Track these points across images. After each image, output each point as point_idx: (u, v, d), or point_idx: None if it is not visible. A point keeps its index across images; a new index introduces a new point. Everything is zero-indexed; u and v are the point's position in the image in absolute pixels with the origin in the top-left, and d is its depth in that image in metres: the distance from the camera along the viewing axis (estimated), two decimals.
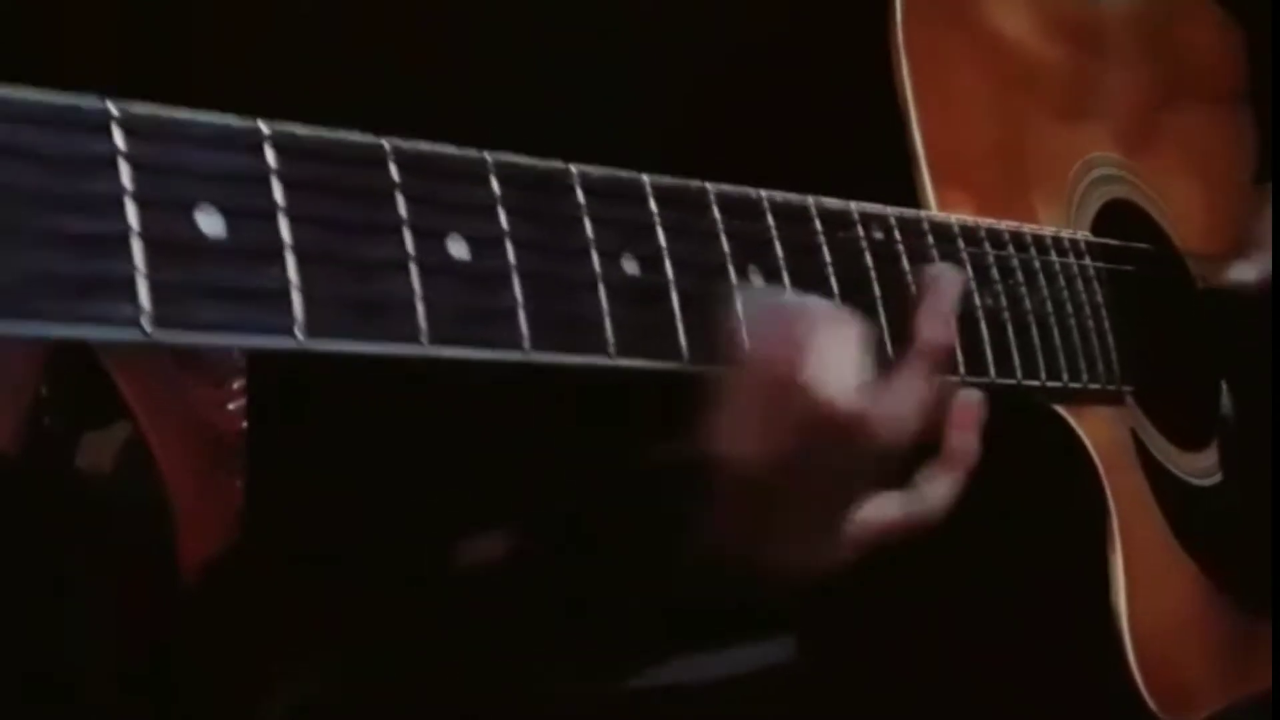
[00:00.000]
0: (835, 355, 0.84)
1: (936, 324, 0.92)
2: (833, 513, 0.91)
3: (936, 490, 0.95)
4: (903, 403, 0.89)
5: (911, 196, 1.02)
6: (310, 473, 1.08)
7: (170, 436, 1.40)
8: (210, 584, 1.27)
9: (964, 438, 0.95)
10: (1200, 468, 1.23)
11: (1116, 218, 1.21)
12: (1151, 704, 1.07)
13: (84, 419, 1.42)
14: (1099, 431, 1.09)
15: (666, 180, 0.84)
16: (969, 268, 1.00)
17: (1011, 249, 1.05)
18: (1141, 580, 1.09)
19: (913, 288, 0.95)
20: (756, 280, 0.86)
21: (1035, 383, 1.04)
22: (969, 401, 0.96)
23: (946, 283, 0.94)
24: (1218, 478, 1.25)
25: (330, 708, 1.14)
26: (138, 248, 0.60)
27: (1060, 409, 1.07)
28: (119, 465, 1.42)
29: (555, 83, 1.03)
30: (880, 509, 0.93)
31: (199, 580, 1.31)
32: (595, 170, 0.80)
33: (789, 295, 0.87)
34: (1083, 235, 1.14)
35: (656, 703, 1.12)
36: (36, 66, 0.63)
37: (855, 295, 0.91)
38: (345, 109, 0.72)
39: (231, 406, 1.38)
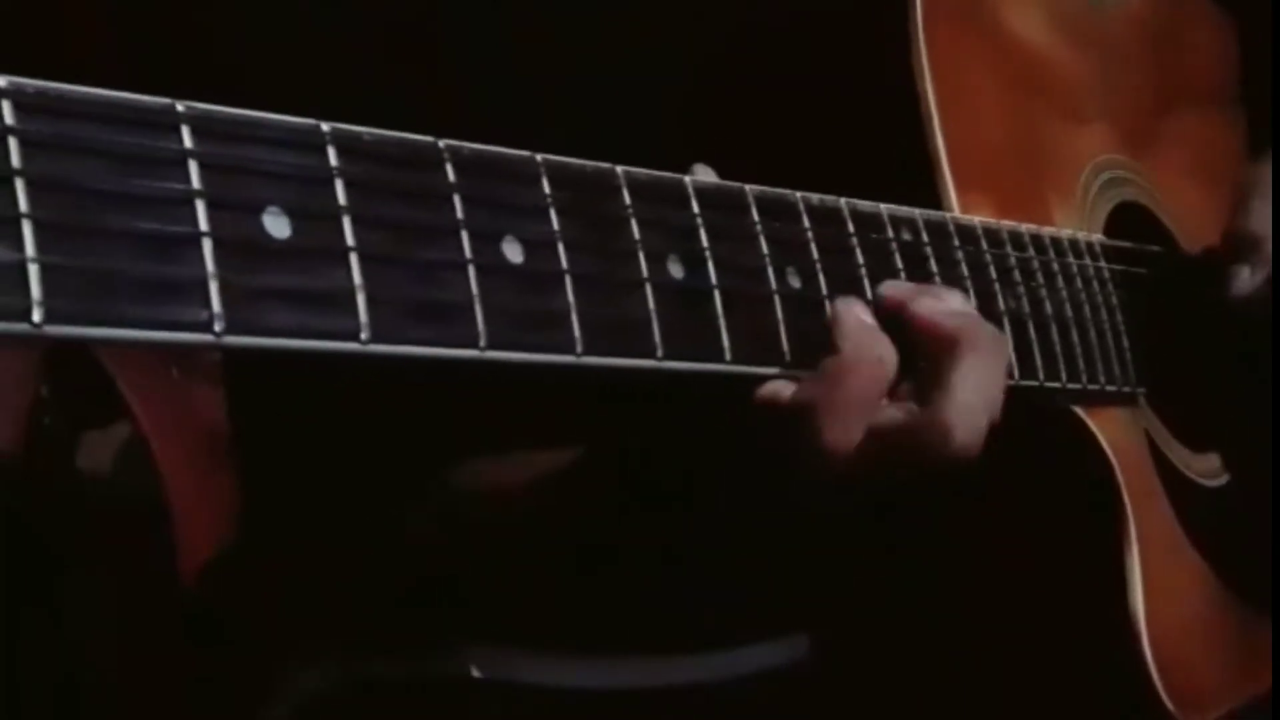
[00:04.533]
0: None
1: None
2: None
3: None
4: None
5: (932, 198, 1.02)
6: (298, 467, 1.08)
7: (170, 437, 1.40)
8: (210, 583, 1.27)
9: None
10: (1211, 468, 1.24)
11: (1127, 220, 1.22)
12: (1169, 704, 1.07)
13: (84, 419, 1.41)
14: (1115, 432, 1.09)
15: (706, 182, 0.84)
16: (993, 270, 1.00)
17: (1032, 251, 1.05)
18: (1157, 581, 1.09)
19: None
20: (794, 282, 0.86)
21: (1056, 384, 1.04)
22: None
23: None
24: (1226, 478, 1.25)
25: (332, 707, 1.13)
26: (209, 249, 0.60)
27: (1078, 410, 1.07)
28: (119, 465, 1.41)
29: (582, 86, 1.03)
30: None
31: (198, 580, 1.31)
32: (639, 171, 0.80)
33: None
34: (1097, 238, 1.15)
35: (666, 702, 1.12)
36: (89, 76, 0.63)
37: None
38: (357, 109, 0.71)
39: None
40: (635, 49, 1.07)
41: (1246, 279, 1.21)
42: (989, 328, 0.91)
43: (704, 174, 0.89)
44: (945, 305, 0.90)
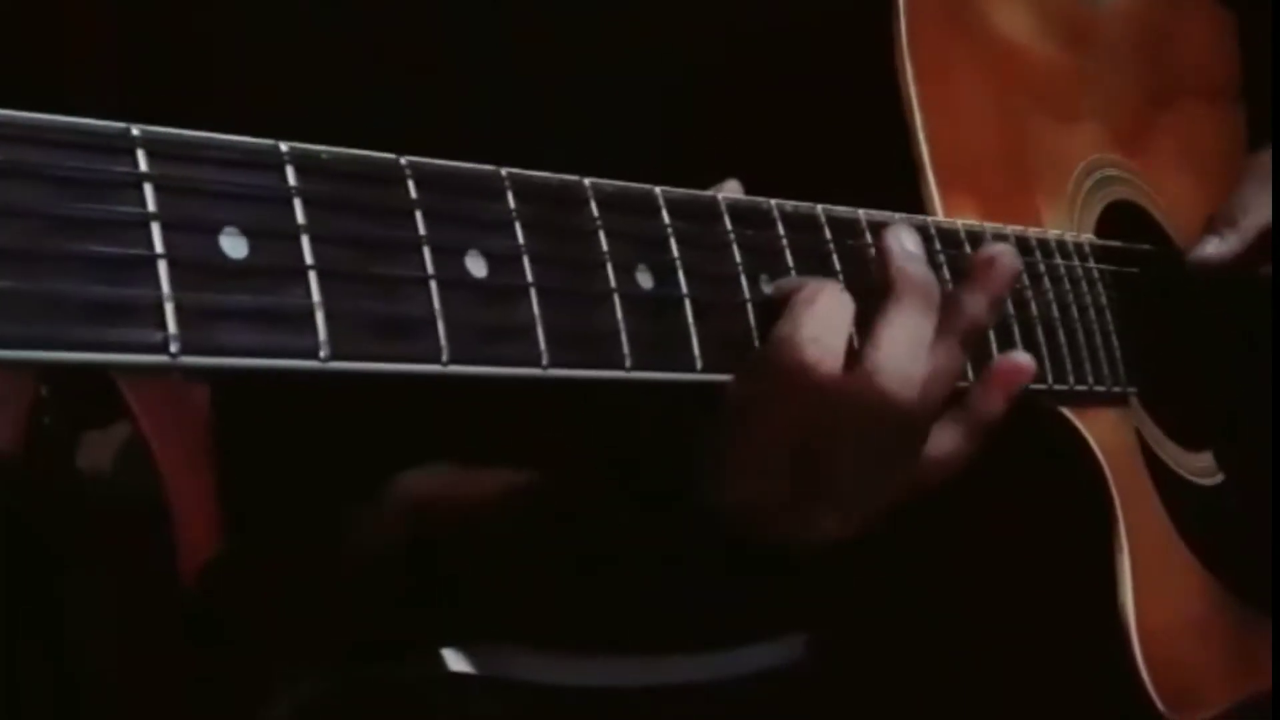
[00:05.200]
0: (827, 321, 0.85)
1: (981, 302, 0.91)
2: (865, 480, 0.90)
3: (944, 441, 0.93)
4: (934, 372, 0.88)
5: (916, 200, 1.02)
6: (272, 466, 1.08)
7: (170, 437, 1.40)
8: (210, 583, 1.27)
9: (991, 397, 0.94)
10: (1203, 467, 1.24)
11: (1119, 219, 1.22)
12: (1159, 703, 1.07)
13: (84, 419, 1.42)
14: (1104, 433, 1.09)
15: (678, 191, 0.84)
16: None
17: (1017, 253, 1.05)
18: (1147, 580, 1.09)
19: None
20: (768, 290, 0.86)
21: (1042, 386, 1.04)
22: (1015, 365, 0.95)
23: (1004, 265, 0.92)
24: (1220, 477, 1.25)
25: (332, 707, 1.14)
26: (164, 271, 0.60)
27: (1066, 411, 1.07)
28: (119, 465, 1.42)
29: (573, 89, 1.03)
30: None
31: (198, 580, 1.31)
32: (608, 183, 0.80)
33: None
34: (1086, 238, 1.14)
35: (665, 702, 1.12)
36: (56, 92, 0.63)
37: (865, 303, 0.91)
38: (334, 125, 0.72)
39: None
40: (623, 52, 1.07)
41: (1212, 247, 1.22)
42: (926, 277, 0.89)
43: (733, 189, 0.89)
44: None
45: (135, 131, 0.62)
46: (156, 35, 1.06)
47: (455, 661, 1.10)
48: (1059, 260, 1.09)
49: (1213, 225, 1.24)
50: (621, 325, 0.77)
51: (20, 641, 1.34)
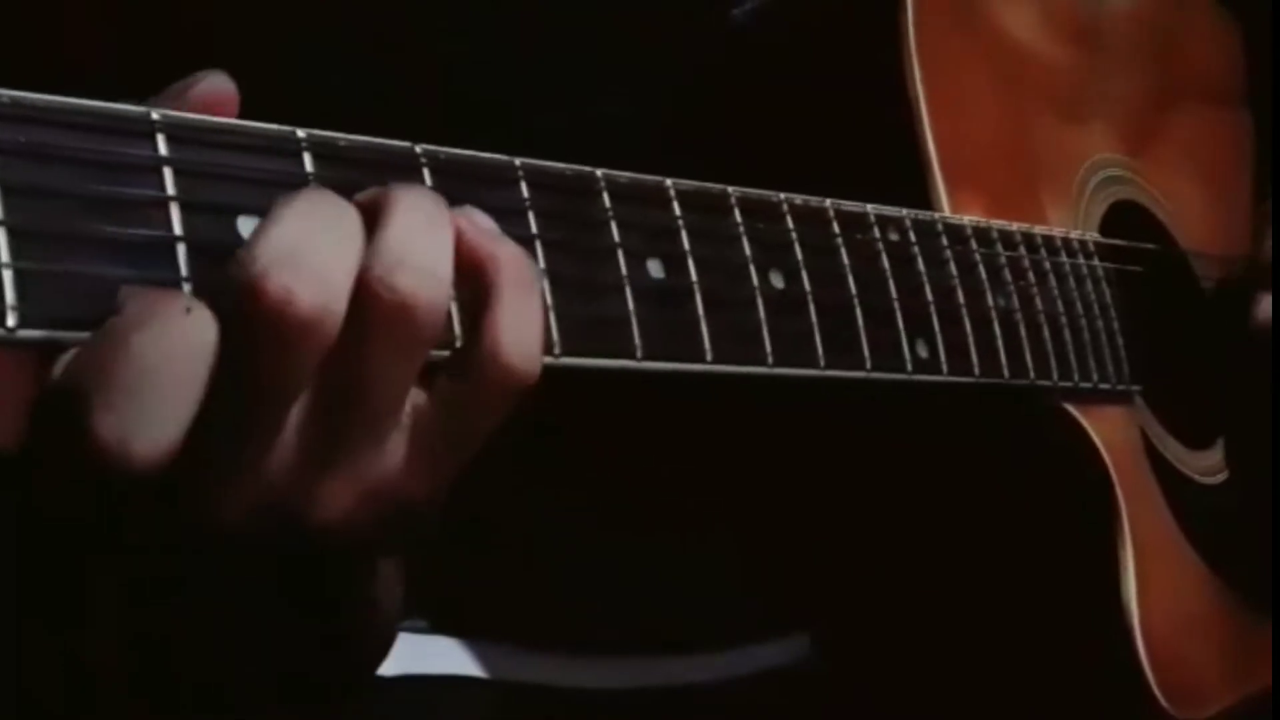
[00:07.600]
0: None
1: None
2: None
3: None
4: None
5: (923, 198, 1.03)
6: None
7: None
8: None
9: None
10: (1207, 466, 1.24)
11: (1123, 218, 1.22)
12: (1163, 701, 1.08)
13: None
14: (1109, 431, 1.10)
15: (689, 184, 0.84)
16: (983, 269, 1.01)
17: (1023, 250, 1.06)
18: (1152, 578, 1.09)
19: (929, 291, 0.96)
20: (777, 283, 0.87)
21: (1047, 382, 1.04)
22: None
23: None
24: (1224, 476, 1.25)
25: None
26: (183, 254, 0.61)
27: (1071, 408, 1.08)
28: None
29: (576, 84, 1.04)
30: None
31: None
32: (620, 174, 0.80)
33: None
34: (1091, 236, 1.15)
35: (666, 702, 1.12)
36: (58, 78, 0.63)
37: (872, 297, 0.92)
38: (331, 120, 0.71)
39: None
40: (626, 51, 1.07)
41: (1268, 306, 1.23)
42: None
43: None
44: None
45: (156, 116, 0.62)
46: (155, 29, 1.06)
47: (457, 663, 1.10)
48: (1063, 257, 1.10)
49: (1262, 281, 1.25)
50: (633, 314, 0.77)
51: (20, 640, 1.34)
